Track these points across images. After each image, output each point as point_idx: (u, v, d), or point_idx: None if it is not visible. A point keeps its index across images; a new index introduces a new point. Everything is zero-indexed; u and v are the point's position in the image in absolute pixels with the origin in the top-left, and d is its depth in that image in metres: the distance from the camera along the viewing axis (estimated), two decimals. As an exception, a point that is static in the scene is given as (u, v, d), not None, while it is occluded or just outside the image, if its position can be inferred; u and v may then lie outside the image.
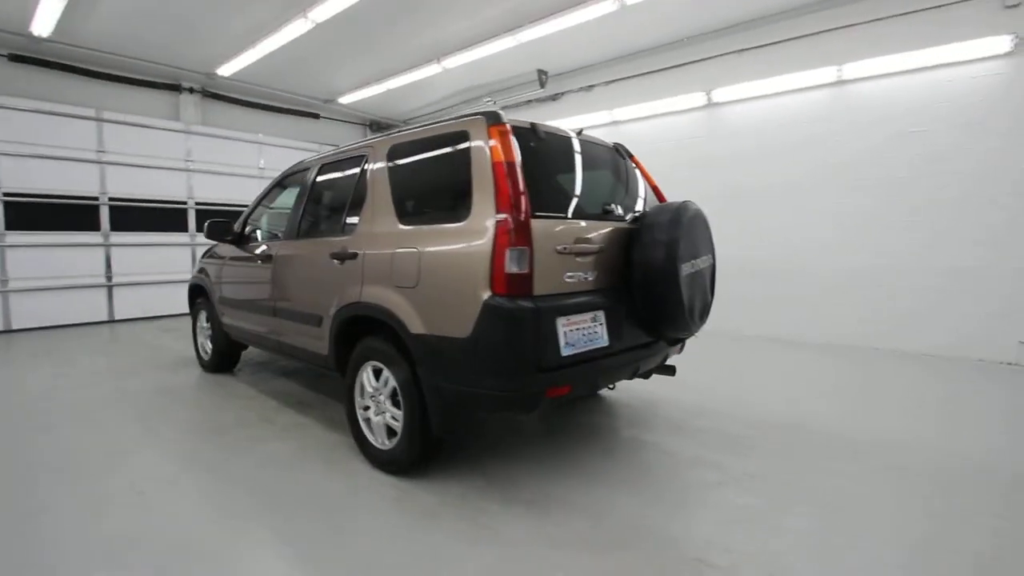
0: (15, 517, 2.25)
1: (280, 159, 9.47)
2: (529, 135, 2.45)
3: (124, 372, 4.76)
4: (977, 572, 1.89)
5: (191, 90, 8.27)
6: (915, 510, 2.32)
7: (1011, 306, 4.61)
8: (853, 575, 1.87)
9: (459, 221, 2.28)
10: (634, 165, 3.19)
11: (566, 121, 6.00)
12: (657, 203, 2.73)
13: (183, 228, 8.40)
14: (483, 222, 2.18)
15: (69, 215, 7.19)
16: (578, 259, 2.38)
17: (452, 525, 2.19)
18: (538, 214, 2.23)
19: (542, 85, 7.69)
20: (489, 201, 2.19)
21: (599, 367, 2.41)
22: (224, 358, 4.65)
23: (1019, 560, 1.96)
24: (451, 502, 2.38)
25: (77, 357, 5.41)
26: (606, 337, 2.45)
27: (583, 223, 2.45)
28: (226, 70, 7.50)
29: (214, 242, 4.38)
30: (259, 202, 4.14)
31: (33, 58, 6.88)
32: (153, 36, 6.50)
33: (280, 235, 3.64)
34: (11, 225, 6.74)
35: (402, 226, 2.57)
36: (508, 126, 2.33)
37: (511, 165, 2.22)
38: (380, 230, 2.68)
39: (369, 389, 2.72)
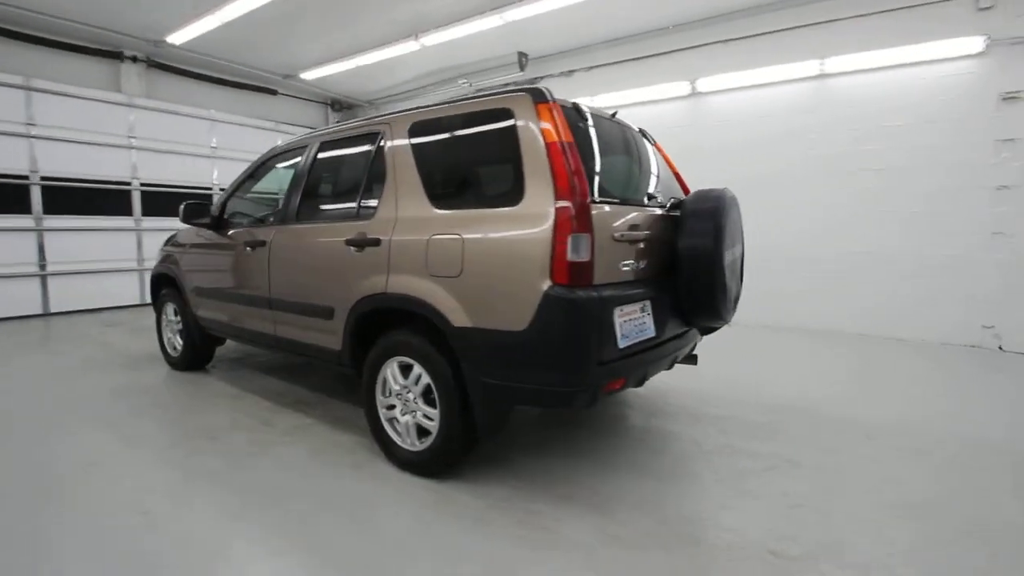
0: (14, 558, 1.93)
1: (234, 137, 8.82)
2: (573, 115, 2.31)
3: (75, 372, 4.26)
4: (1025, 548, 1.97)
5: (134, 59, 7.48)
6: (950, 486, 2.40)
7: (975, 293, 4.95)
8: (923, 555, 1.90)
9: (510, 206, 2.12)
10: (657, 151, 3.12)
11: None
12: (694, 190, 2.66)
13: (127, 211, 7.64)
14: (540, 207, 2.03)
15: (-6, 196, 6.36)
16: (630, 247, 2.28)
17: (507, 530, 2.06)
18: (593, 199, 2.11)
19: (522, 68, 7.50)
20: (546, 185, 2.04)
21: (648, 359, 2.34)
22: (197, 354, 4.25)
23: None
24: (498, 504, 2.25)
25: (11, 357, 4.80)
26: (653, 328, 2.37)
27: (632, 209, 2.35)
28: (177, 38, 6.82)
29: (187, 226, 3.97)
30: (241, 183, 3.77)
31: (-57, 14, 5.99)
32: (93, -5, 5.79)
33: (273, 219, 3.33)
34: (-79, 206, 5.89)
35: (437, 210, 2.37)
36: (558, 104, 2.18)
37: (568, 146, 2.08)
38: (408, 214, 2.46)
39: (395, 387, 2.52)
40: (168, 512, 2.18)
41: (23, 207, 6.58)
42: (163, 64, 7.85)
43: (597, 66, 7.14)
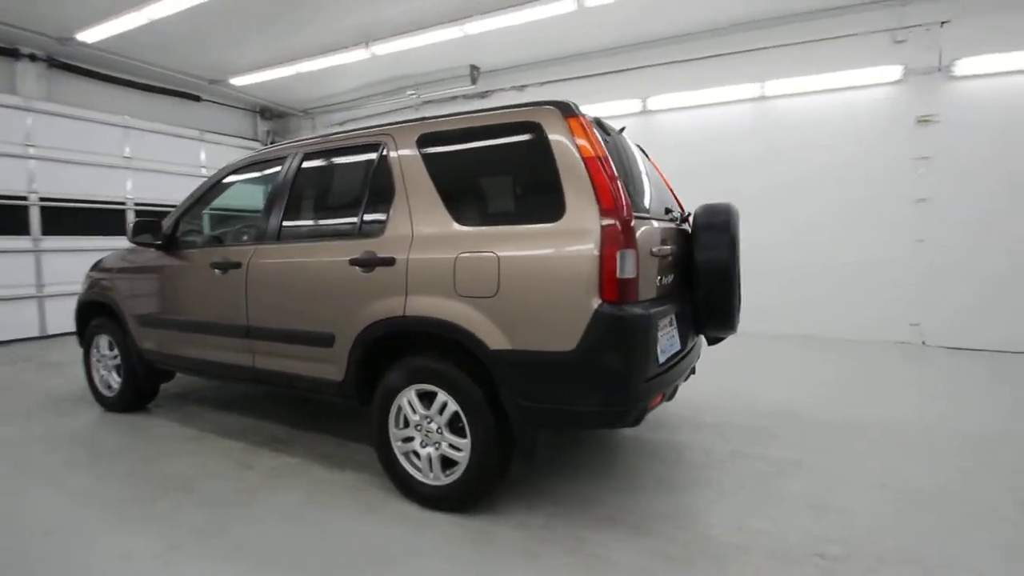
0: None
1: (151, 147, 8.01)
2: (599, 129, 2.29)
3: (-15, 421, 3.59)
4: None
5: (33, 57, 6.56)
6: (946, 473, 2.59)
7: (902, 295, 5.52)
8: (956, 548, 2.02)
9: (549, 222, 2.04)
10: (653, 166, 3.18)
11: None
12: (701, 204, 2.73)
13: (23, 230, 6.64)
14: (584, 223, 1.98)
15: None
16: (660, 261, 2.28)
17: (559, 561, 1.96)
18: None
19: (473, 81, 7.46)
20: (588, 200, 1.99)
21: (677, 372, 2.35)
22: (140, 393, 3.73)
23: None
24: (539, 534, 2.13)
25: None
26: (679, 340, 2.39)
27: (657, 224, 2.36)
28: (90, 35, 6.06)
29: (133, 246, 3.49)
30: (198, 199, 3.38)
31: None
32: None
33: (249, 238, 3.00)
34: None
35: (461, 227, 2.24)
36: (588, 119, 2.15)
37: (605, 161, 2.05)
38: (427, 231, 2.31)
39: (414, 417, 2.33)
40: (163, 585, 1.85)
41: None
42: (68, 64, 6.97)
43: (550, 82, 7.25)
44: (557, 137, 2.11)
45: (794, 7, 5.49)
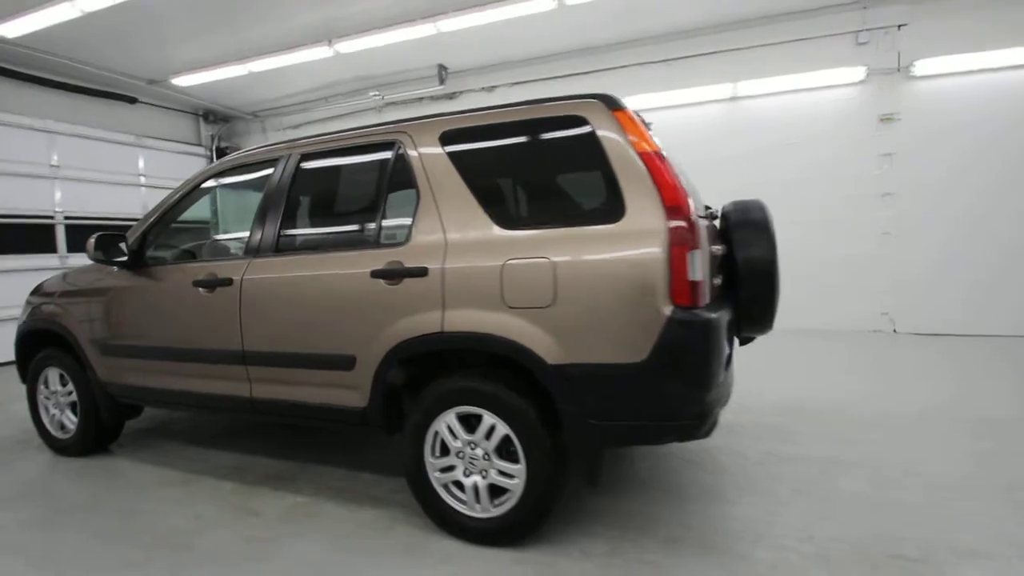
0: None
1: (83, 153, 7.26)
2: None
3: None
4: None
5: (-65, 52, 5.73)
6: (979, 456, 2.64)
7: (872, 286, 5.77)
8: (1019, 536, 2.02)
9: (608, 223, 1.88)
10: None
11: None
12: (730, 201, 2.66)
13: (-70, 250, 5.79)
14: (648, 223, 1.83)
15: None
16: (713, 261, 2.17)
17: (640, 592, 1.80)
18: (695, 214, 1.96)
19: (441, 82, 7.21)
20: (650, 199, 1.85)
21: (730, 376, 2.25)
22: (101, 432, 3.26)
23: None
24: (608, 562, 1.96)
25: None
26: (727, 343, 2.29)
27: (704, 223, 2.25)
28: (10, 30, 5.35)
29: (84, 265, 3.04)
30: (169, 208, 2.97)
31: None
32: None
33: (237, 251, 2.66)
34: None
35: (504, 231, 2.03)
36: (633, 112, 2.02)
37: (661, 156, 1.92)
38: (463, 236, 2.09)
39: (456, 444, 2.10)
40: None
41: None
42: (-20, 61, 6.15)
43: (520, 83, 7.12)
44: (606, 132, 1.96)
45: (765, 9, 5.63)
